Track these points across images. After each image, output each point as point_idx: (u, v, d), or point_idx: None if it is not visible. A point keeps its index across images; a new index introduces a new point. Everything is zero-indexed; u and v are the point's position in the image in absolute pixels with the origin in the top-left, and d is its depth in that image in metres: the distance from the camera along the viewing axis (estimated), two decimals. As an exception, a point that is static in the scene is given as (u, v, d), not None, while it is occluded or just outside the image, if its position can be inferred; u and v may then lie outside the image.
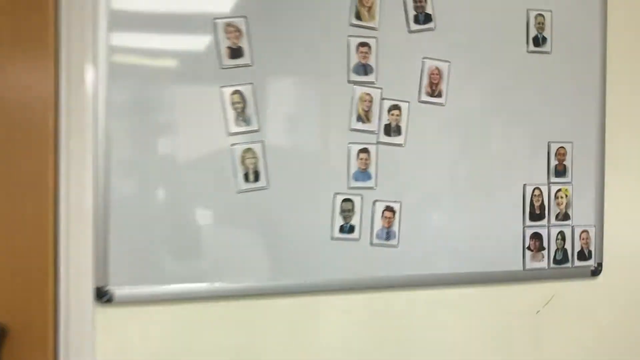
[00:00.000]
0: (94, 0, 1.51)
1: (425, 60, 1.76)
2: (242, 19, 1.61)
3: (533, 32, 1.86)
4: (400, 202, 1.75)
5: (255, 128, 1.63)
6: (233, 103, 1.61)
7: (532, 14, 1.86)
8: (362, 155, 1.71)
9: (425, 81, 1.76)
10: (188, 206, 1.59)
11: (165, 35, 1.57)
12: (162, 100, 1.57)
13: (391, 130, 1.74)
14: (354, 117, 1.71)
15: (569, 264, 1.92)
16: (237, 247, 1.63)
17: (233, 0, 1.62)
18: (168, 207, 1.58)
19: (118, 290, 1.55)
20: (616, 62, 1.97)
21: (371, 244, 1.73)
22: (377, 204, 1.73)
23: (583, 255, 1.94)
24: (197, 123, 1.60)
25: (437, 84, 1.77)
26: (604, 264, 1.97)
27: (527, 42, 1.86)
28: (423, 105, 1.76)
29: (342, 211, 1.70)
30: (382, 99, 1.73)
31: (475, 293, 1.85)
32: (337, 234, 1.70)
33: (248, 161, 1.62)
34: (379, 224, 1.73)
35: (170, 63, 1.58)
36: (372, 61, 1.71)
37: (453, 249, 1.80)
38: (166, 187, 1.58)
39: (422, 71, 1.76)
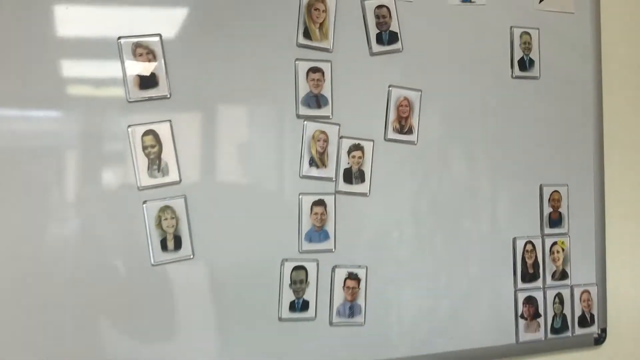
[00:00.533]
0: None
1: (391, 88, 1.41)
2: (155, 38, 1.23)
3: (519, 54, 1.55)
4: (366, 268, 1.39)
5: (175, 179, 1.24)
6: (145, 147, 1.22)
7: (517, 32, 1.54)
8: (317, 209, 1.34)
9: (393, 115, 1.41)
10: (89, 286, 1.18)
11: (56, 62, 1.17)
12: (51, 143, 1.16)
13: (352, 176, 1.38)
14: (306, 160, 1.34)
15: (569, 333, 1.59)
16: (152, 334, 1.22)
17: (145, 16, 1.23)
18: (54, 280, 1.16)
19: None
20: (615, 88, 1.67)
21: (331, 323, 1.36)
22: (337, 270, 1.36)
23: (585, 321, 1.61)
24: (96, 175, 1.20)
25: (406, 118, 1.42)
26: (608, 330, 1.64)
27: (512, 66, 1.54)
28: (391, 144, 1.42)
29: (293, 283, 1.32)
30: (341, 137, 1.37)
31: (460, 375, 1.48)
32: (286, 313, 1.32)
33: (166, 223, 1.23)
34: (340, 297, 1.36)
35: (63, 97, 1.18)
36: (326, 91, 1.35)
37: (432, 324, 1.45)
38: (54, 254, 1.17)
39: (388, 102, 1.41)
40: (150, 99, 1.23)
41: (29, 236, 1.14)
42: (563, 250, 1.59)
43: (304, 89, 1.34)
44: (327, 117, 1.36)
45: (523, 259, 1.55)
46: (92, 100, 1.19)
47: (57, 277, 1.16)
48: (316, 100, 1.35)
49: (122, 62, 1.20)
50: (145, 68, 1.22)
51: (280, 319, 1.31)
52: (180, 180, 1.25)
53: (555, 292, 1.58)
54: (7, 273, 1.13)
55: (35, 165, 1.15)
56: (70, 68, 1.18)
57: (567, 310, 1.59)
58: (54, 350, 1.15)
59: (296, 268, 1.33)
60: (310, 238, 1.34)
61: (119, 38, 1.21)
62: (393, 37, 1.42)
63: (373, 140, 1.40)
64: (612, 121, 1.66)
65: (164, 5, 1.26)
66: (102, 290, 1.19)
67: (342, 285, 1.37)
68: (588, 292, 1.62)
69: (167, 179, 1.23)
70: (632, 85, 1.71)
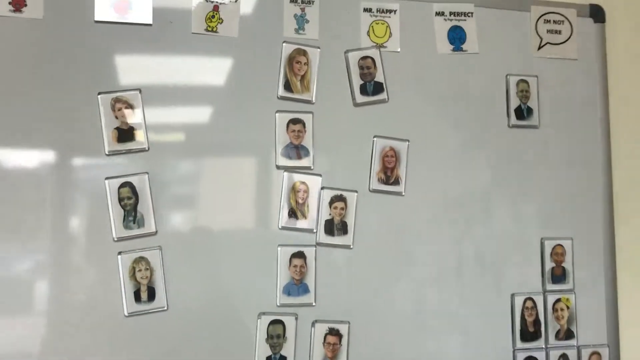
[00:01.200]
0: None
1: (376, 139, 1.40)
2: (135, 93, 1.27)
3: (515, 102, 1.50)
4: (349, 323, 1.35)
5: (151, 230, 1.25)
6: (121, 199, 1.24)
7: (513, 80, 1.51)
8: (296, 262, 1.33)
9: (378, 165, 1.39)
10: (57, 334, 1.20)
11: (41, 109, 1.23)
12: (27, 193, 1.21)
13: (334, 228, 1.36)
14: (285, 212, 1.33)
15: (577, 398, 1.48)
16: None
17: (124, 69, 1.27)
18: (30, 335, 1.18)
19: None
20: (623, 132, 1.60)
21: (310, 382, 1.31)
22: (317, 325, 1.33)
23: (595, 386, 1.49)
24: (73, 226, 1.23)
25: (392, 169, 1.40)
26: (623, 397, 1.52)
27: (508, 115, 1.50)
28: (375, 195, 1.39)
29: (270, 337, 1.30)
30: (322, 188, 1.35)
31: None
32: (262, 369, 1.29)
33: (140, 274, 1.24)
34: (320, 353, 1.33)
35: (39, 147, 1.23)
36: (307, 142, 1.35)
37: (420, 385, 1.38)
38: (28, 305, 1.20)
39: (373, 153, 1.39)
40: (129, 151, 1.26)
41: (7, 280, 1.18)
42: (568, 307, 1.50)
43: (284, 140, 1.34)
44: (308, 168, 1.35)
45: (522, 316, 1.47)
46: (71, 151, 1.23)
47: (36, 325, 1.18)
48: (296, 151, 1.34)
49: (101, 115, 1.24)
50: (123, 122, 1.25)
51: (255, 376, 1.28)
52: (157, 232, 1.26)
53: (559, 352, 1.48)
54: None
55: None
56: (51, 113, 1.23)
57: (574, 374, 1.48)
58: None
59: (273, 322, 1.30)
60: (288, 291, 1.32)
61: (99, 93, 1.25)
62: (378, 88, 1.41)
63: (357, 191, 1.38)
64: (621, 171, 1.58)
65: (147, 61, 1.29)
66: (80, 339, 1.20)
67: (323, 341, 1.33)
68: (598, 353, 1.51)
69: (142, 230, 1.25)
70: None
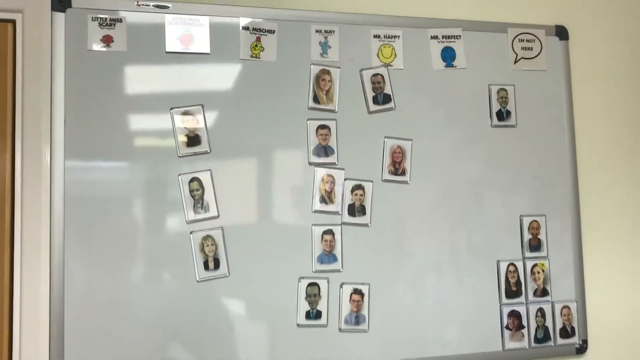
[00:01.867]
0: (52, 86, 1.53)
1: (386, 139, 1.75)
2: (199, 107, 1.62)
3: (496, 107, 1.86)
4: (369, 285, 1.70)
5: (215, 214, 1.61)
6: (191, 190, 1.60)
7: (495, 89, 1.86)
8: (327, 237, 1.68)
9: (388, 160, 1.75)
10: (146, 295, 1.55)
11: (124, 123, 1.58)
12: (119, 188, 1.56)
13: (355, 210, 1.71)
14: (317, 198, 1.69)
15: (551, 343, 1.84)
16: (195, 336, 1.57)
17: (189, 89, 1.63)
18: (125, 296, 1.54)
19: (74, 388, 1.49)
20: (585, 130, 1.96)
21: (340, 329, 1.67)
22: (345, 287, 1.68)
23: (566, 333, 1.86)
24: (156, 212, 1.58)
25: (400, 162, 1.76)
26: (589, 341, 1.88)
27: (491, 117, 1.85)
28: (387, 184, 1.74)
29: (308, 296, 1.65)
30: (345, 179, 1.71)
31: (453, 377, 1.76)
32: (303, 320, 1.64)
33: (207, 249, 1.59)
34: (347, 308, 1.68)
35: (128, 153, 1.58)
36: (332, 143, 1.71)
37: (427, 332, 1.74)
38: (124, 276, 1.54)
39: (384, 150, 1.75)
40: (195, 154, 1.61)
41: (123, 254, 1.53)
42: (543, 271, 1.86)
43: (314, 142, 1.70)
44: (334, 164, 1.71)
45: (507, 278, 1.82)
46: (151, 155, 1.58)
47: (135, 294, 1.54)
48: (324, 150, 1.70)
49: (174, 126, 1.60)
50: (191, 131, 1.61)
51: (298, 325, 1.64)
52: (219, 216, 1.61)
53: (537, 307, 1.84)
54: (98, 297, 1.52)
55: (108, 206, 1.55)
56: (137, 126, 1.58)
57: (549, 323, 1.84)
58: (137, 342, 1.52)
59: (310, 284, 1.66)
60: (321, 260, 1.67)
61: (171, 109, 1.60)
62: (387, 99, 1.77)
63: (372, 181, 1.73)
64: (585, 159, 1.94)
65: (207, 82, 1.64)
66: (162, 299, 1.56)
67: (349, 298, 1.68)
68: (568, 307, 1.87)
69: (208, 215, 1.60)
70: (600, 126, 1.98)
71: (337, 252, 1.68)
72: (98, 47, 1.58)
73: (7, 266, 1.51)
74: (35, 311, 1.50)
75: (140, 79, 1.60)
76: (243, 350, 1.60)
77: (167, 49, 1.62)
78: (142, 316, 1.54)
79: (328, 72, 1.72)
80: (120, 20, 1.59)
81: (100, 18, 1.57)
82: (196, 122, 1.61)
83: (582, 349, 1.87)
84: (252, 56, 1.68)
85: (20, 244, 1.51)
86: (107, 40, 1.58)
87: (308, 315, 1.64)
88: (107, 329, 1.52)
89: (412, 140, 1.77)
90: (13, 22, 1.55)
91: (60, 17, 1.55)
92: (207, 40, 1.65)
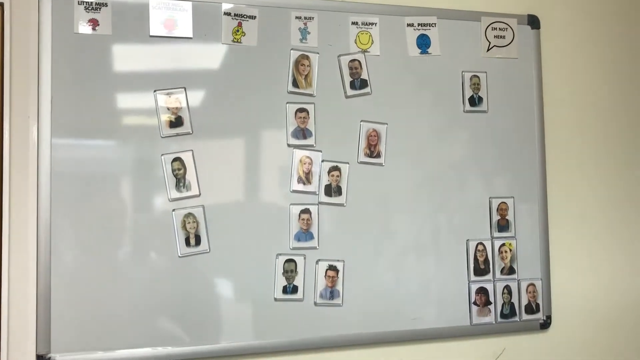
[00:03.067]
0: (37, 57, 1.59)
1: (362, 123, 1.83)
2: (181, 90, 1.68)
3: (469, 93, 1.94)
4: (344, 261, 1.78)
5: (196, 193, 1.68)
6: (173, 170, 1.66)
7: (467, 76, 1.94)
8: (304, 216, 1.76)
9: (364, 143, 1.82)
10: (130, 271, 1.62)
11: (110, 104, 1.64)
12: (104, 166, 1.62)
13: (332, 190, 1.79)
14: (295, 179, 1.76)
15: (517, 318, 1.94)
16: (178, 310, 1.65)
17: (173, 71, 1.68)
18: (110, 271, 1.61)
19: (60, 357, 1.57)
20: (554, 116, 2.04)
21: (315, 304, 1.76)
22: (320, 263, 1.77)
23: (531, 309, 1.95)
24: (139, 190, 1.65)
25: (375, 145, 1.83)
26: (553, 317, 1.98)
27: (464, 102, 1.93)
28: (362, 166, 1.82)
29: (285, 272, 1.73)
30: (322, 161, 1.78)
31: (423, 350, 1.86)
32: (280, 294, 1.73)
33: (189, 226, 1.66)
34: (322, 283, 1.76)
35: (113, 132, 1.64)
36: (310, 125, 1.78)
37: (398, 306, 1.83)
38: (109, 252, 1.61)
39: (360, 133, 1.82)
40: (178, 135, 1.68)
41: (107, 230, 1.60)
42: (510, 250, 1.95)
43: (292, 124, 1.77)
44: (312, 146, 1.78)
45: (475, 257, 1.92)
46: (135, 135, 1.65)
47: (119, 269, 1.61)
48: (302, 133, 1.77)
49: (157, 108, 1.66)
50: (173, 113, 1.67)
51: (275, 299, 1.72)
52: (200, 194, 1.68)
53: (504, 284, 1.94)
54: (83, 274, 1.59)
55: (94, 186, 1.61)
56: (122, 107, 1.65)
57: (515, 300, 1.94)
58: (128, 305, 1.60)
59: (288, 260, 1.74)
60: (298, 238, 1.75)
61: (155, 90, 1.66)
62: (363, 84, 1.84)
63: (348, 163, 1.81)
64: (553, 145, 2.02)
65: (190, 65, 1.70)
66: (145, 274, 1.63)
67: (324, 274, 1.77)
68: (533, 285, 1.97)
69: (190, 193, 1.67)
70: (569, 113, 2.07)
71: (314, 230, 1.76)
72: (84, 30, 1.63)
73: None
74: (23, 287, 1.57)
75: (124, 61, 1.66)
76: (223, 323, 1.68)
77: (151, 33, 1.68)
78: (126, 290, 1.62)
79: (307, 58, 1.79)
80: (106, 5, 1.64)
81: (86, 2, 1.62)
82: (179, 103, 1.68)
83: (545, 324, 1.97)
84: (233, 41, 1.74)
85: (8, 221, 1.57)
86: (93, 23, 1.64)
87: (285, 290, 1.73)
88: (93, 303, 1.59)
89: (387, 124, 1.85)
90: (1, 5, 1.60)
91: (47, 1, 1.60)
92: (190, 25, 1.71)
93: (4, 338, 1.56)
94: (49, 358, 1.56)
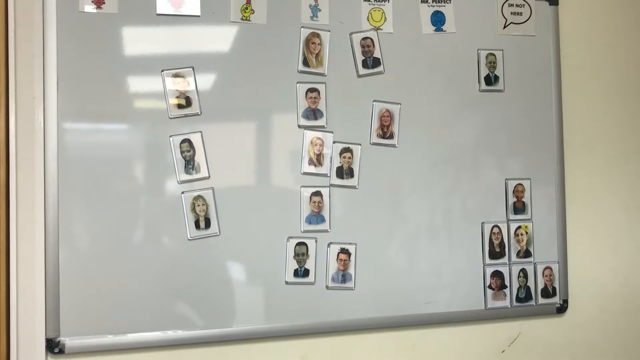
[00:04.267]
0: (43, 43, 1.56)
1: (375, 103, 1.78)
2: (189, 69, 1.64)
3: (485, 71, 1.88)
4: (356, 244, 1.75)
5: (206, 175, 1.65)
6: (182, 151, 1.63)
7: (483, 54, 1.88)
8: (315, 199, 1.72)
9: (376, 124, 1.78)
10: (139, 254, 1.60)
11: (116, 85, 1.61)
12: (111, 148, 1.60)
13: (344, 172, 1.75)
14: (306, 160, 1.72)
15: (532, 302, 1.90)
16: (188, 294, 1.63)
17: (180, 51, 1.64)
18: (119, 254, 1.58)
19: (70, 341, 1.55)
20: (572, 95, 1.98)
21: (327, 287, 1.73)
22: (332, 246, 1.73)
23: (547, 293, 1.92)
24: (147, 173, 1.62)
25: (388, 126, 1.79)
26: (569, 301, 1.94)
27: (479, 81, 1.88)
28: (375, 147, 1.78)
29: (296, 255, 1.70)
30: (334, 142, 1.74)
31: (436, 334, 1.83)
32: (291, 278, 1.70)
33: (198, 208, 1.64)
34: (334, 267, 1.73)
35: (120, 114, 1.61)
36: (321, 106, 1.74)
37: (411, 290, 1.80)
38: (117, 235, 1.59)
39: (372, 114, 1.78)
40: (186, 115, 1.64)
41: (116, 214, 1.58)
42: (527, 233, 1.91)
43: (303, 105, 1.72)
44: (323, 127, 1.74)
45: (491, 240, 1.88)
46: (143, 117, 1.61)
47: (128, 253, 1.59)
48: (313, 113, 1.73)
49: (165, 88, 1.62)
50: (181, 93, 1.63)
51: (286, 282, 1.70)
52: (209, 176, 1.65)
53: (519, 267, 1.90)
54: (92, 257, 1.57)
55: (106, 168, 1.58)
56: (129, 88, 1.61)
57: (530, 283, 1.90)
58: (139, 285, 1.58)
59: (299, 244, 1.71)
60: (309, 221, 1.72)
61: (162, 71, 1.63)
62: (376, 62, 1.79)
63: (360, 144, 1.77)
64: (570, 124, 1.97)
65: (198, 44, 1.66)
66: (154, 257, 1.61)
67: (336, 258, 1.74)
68: (550, 268, 1.93)
69: (199, 175, 1.64)
70: (588, 92, 2.01)
71: (325, 213, 1.73)
72: (89, 8, 1.59)
73: (4, 226, 1.55)
74: (32, 271, 1.55)
75: (131, 40, 1.62)
76: (233, 306, 1.66)
77: (158, 12, 1.63)
78: (135, 273, 1.59)
79: (318, 36, 1.74)
80: (111, -18, 1.60)
81: (91, -21, 1.58)
82: (187, 84, 1.64)
83: (562, 308, 1.94)
84: (242, 18, 1.69)
85: (15, 205, 1.54)
86: (99, 1, 1.60)
87: (296, 274, 1.70)
88: (101, 287, 1.57)
89: (400, 104, 1.80)
90: (4, -17, 1.56)
91: (51, -22, 1.56)
92: (198, 2, 1.66)
93: (13, 322, 1.54)
94: (59, 342, 1.55)
